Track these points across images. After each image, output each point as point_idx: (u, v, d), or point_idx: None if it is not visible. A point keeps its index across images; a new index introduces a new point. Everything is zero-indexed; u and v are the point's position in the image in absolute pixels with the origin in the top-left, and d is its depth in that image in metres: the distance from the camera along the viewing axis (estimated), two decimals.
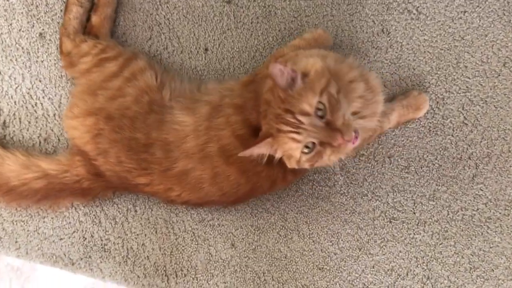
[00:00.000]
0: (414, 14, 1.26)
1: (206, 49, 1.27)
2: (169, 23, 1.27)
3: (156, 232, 1.20)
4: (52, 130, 1.21)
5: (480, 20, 1.26)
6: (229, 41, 1.27)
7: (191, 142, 1.01)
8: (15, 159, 1.09)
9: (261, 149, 0.91)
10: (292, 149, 0.90)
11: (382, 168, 1.23)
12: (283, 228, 1.21)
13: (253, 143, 0.91)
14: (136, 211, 1.20)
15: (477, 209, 1.22)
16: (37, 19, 1.24)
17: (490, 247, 1.21)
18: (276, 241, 1.21)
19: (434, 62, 1.25)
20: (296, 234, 1.22)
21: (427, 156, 1.23)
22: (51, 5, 1.25)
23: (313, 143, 0.88)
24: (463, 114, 1.24)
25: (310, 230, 1.21)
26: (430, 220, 1.22)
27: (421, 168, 1.23)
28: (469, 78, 1.24)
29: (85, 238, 1.19)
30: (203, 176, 1.03)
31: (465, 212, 1.22)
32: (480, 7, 1.26)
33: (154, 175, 1.04)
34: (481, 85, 1.24)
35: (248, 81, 1.12)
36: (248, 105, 1.01)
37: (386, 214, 1.23)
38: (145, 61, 1.13)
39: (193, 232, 1.20)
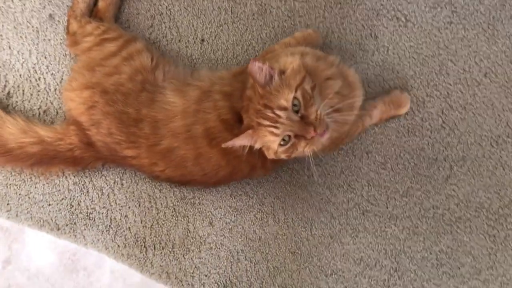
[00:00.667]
0: (403, 21, 1.36)
1: (203, 40, 1.38)
2: (170, 14, 1.38)
3: (139, 205, 1.27)
4: (52, 103, 1.31)
5: (465, 32, 1.35)
6: (224, 34, 1.37)
7: (178, 122, 1.09)
8: (15, 123, 1.18)
9: (242, 141, 1.00)
10: (270, 141, 0.98)
11: (360, 163, 1.30)
12: (260, 212, 1.28)
13: (235, 134, 1.00)
14: (122, 184, 1.28)
15: (448, 209, 1.28)
16: (49, 1, 1.36)
17: (458, 246, 1.26)
18: (252, 223, 1.28)
19: (417, 67, 1.34)
20: (271, 218, 1.28)
21: (404, 154, 1.30)
22: None
23: (289, 136, 0.97)
24: (442, 118, 1.31)
25: (285, 216, 1.28)
26: (402, 215, 1.28)
27: (397, 165, 1.30)
28: (450, 84, 1.32)
29: (72, 206, 1.26)
30: (187, 155, 1.10)
31: (437, 210, 1.28)
32: (466, 20, 1.34)
33: (141, 148, 1.11)
34: (462, 92, 1.32)
35: (239, 72, 1.21)
36: (235, 94, 1.09)
37: (360, 206, 1.29)
38: (143, 44, 1.22)
39: (174, 208, 1.27)
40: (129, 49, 1.19)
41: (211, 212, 1.28)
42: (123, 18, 1.37)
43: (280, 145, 0.98)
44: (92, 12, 1.31)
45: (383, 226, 1.27)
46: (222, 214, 1.28)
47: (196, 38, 1.36)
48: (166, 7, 1.37)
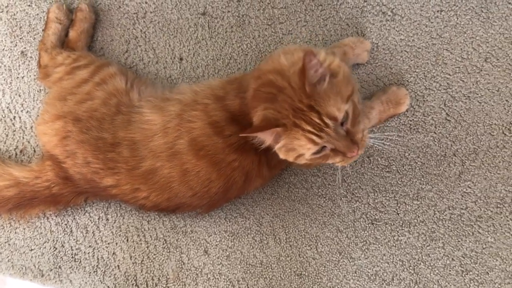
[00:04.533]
0: (389, 15, 1.40)
1: (181, 59, 1.43)
2: (145, 36, 1.44)
3: (127, 240, 1.25)
4: (29, 142, 1.33)
5: (457, 18, 1.38)
6: (203, 50, 1.42)
7: (158, 141, 1.08)
8: None
9: (265, 136, 0.95)
10: (303, 147, 0.93)
11: (362, 168, 1.30)
12: (259, 233, 1.24)
13: (259, 127, 0.94)
14: (107, 219, 1.26)
15: (466, 208, 1.23)
16: (20, 38, 1.43)
17: (483, 248, 1.20)
18: (251, 247, 1.24)
19: (411, 60, 1.36)
20: (272, 239, 1.24)
21: (409, 154, 1.30)
22: (33, 25, 1.44)
23: (325, 146, 0.94)
24: (445, 111, 1.32)
25: (286, 235, 1.24)
26: (415, 220, 1.26)
27: (403, 166, 1.29)
28: (449, 74, 1.34)
29: (56, 248, 1.24)
30: (172, 174, 1.08)
31: (453, 211, 1.26)
32: (457, 6, 1.38)
33: (120, 174, 1.10)
34: (463, 81, 1.33)
35: (233, 79, 1.18)
36: (229, 96, 1.08)
37: (368, 216, 1.26)
38: (116, 67, 1.24)
39: (164, 240, 1.24)
40: (102, 74, 1.20)
41: (205, 240, 1.25)
42: (97, 46, 1.43)
43: (312, 153, 0.95)
44: (64, 44, 1.40)
45: (396, 235, 1.23)
46: (218, 240, 1.25)
47: (174, 58, 1.42)
48: (141, 30, 1.44)
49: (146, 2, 1.43)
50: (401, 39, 1.35)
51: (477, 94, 1.29)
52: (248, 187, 1.17)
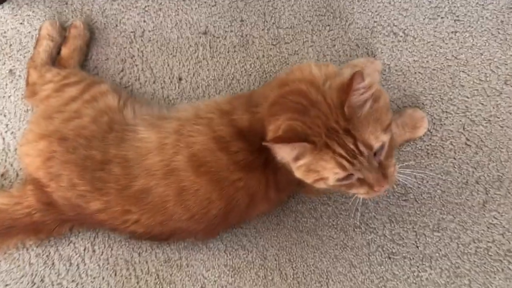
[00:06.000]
0: (401, 36, 1.37)
1: (180, 79, 1.39)
2: (143, 55, 1.41)
3: (115, 274, 1.14)
4: (11, 165, 1.25)
5: (473, 39, 1.36)
6: (204, 70, 1.38)
7: (154, 158, 1.01)
8: None
9: (288, 149, 0.87)
10: (328, 170, 0.86)
11: (376, 197, 1.24)
12: (262, 268, 1.14)
13: (286, 138, 0.86)
14: (94, 250, 1.15)
15: (493, 241, 1.13)
16: (9, 56, 1.38)
17: None
18: (254, 284, 1.14)
19: (426, 82, 1.32)
20: (277, 274, 1.14)
21: (427, 181, 1.23)
22: (24, 43, 1.39)
23: (352, 174, 0.87)
24: (464, 135, 1.27)
25: (294, 270, 1.14)
26: (437, 254, 1.17)
27: (421, 195, 1.22)
28: (467, 97, 1.30)
29: (34, 283, 1.13)
30: (167, 193, 1.00)
31: (479, 244, 1.18)
32: (472, 27, 1.36)
33: (110, 195, 1.01)
34: (482, 104, 1.29)
35: (241, 94, 1.15)
36: (237, 110, 1.02)
37: (384, 249, 1.17)
38: (108, 85, 1.18)
39: (157, 274, 1.14)
40: (92, 92, 1.15)
41: (202, 275, 1.14)
42: (90, 65, 1.37)
43: (337, 178, 0.88)
44: (55, 62, 1.36)
45: (416, 270, 1.12)
46: (217, 276, 1.14)
47: (173, 78, 1.37)
48: (138, 49, 1.40)
49: (144, 21, 1.41)
50: (414, 60, 1.32)
51: (498, 118, 1.25)
52: (252, 212, 1.08)
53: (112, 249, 1.17)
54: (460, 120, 1.24)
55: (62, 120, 1.11)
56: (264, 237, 1.17)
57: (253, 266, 1.15)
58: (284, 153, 0.88)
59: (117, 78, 1.35)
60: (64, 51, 1.32)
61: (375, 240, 1.15)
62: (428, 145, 1.22)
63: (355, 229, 1.16)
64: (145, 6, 1.42)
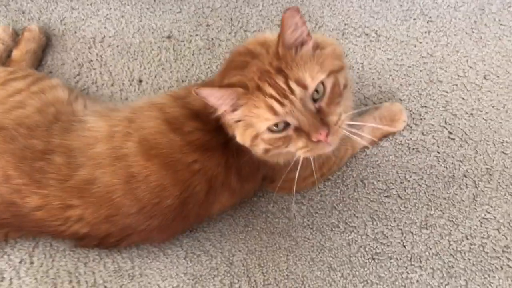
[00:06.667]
0: (373, 36, 1.34)
1: (140, 81, 1.30)
2: (101, 59, 1.34)
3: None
4: None
5: (447, 39, 1.33)
6: (167, 72, 1.30)
7: (101, 147, 0.91)
8: None
9: (222, 96, 0.78)
10: (260, 118, 0.78)
11: (355, 193, 1.11)
12: (228, 275, 0.99)
13: (218, 86, 0.80)
14: (32, 262, 0.99)
15: (488, 236, 1.01)
16: None
17: None
18: None
19: (402, 79, 1.26)
20: (245, 281, 0.98)
21: (410, 176, 1.13)
22: None
23: (287, 124, 0.78)
24: (447, 129, 1.19)
25: (264, 276, 0.99)
26: (427, 253, 1.03)
27: (405, 190, 1.11)
28: (446, 92, 1.24)
29: None
30: (114, 182, 0.89)
31: (472, 240, 1.05)
32: (445, 27, 1.33)
33: (49, 188, 0.89)
34: (463, 98, 1.23)
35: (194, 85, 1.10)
36: (191, 97, 0.96)
37: (367, 249, 1.04)
38: (60, 81, 1.11)
39: (105, 286, 0.98)
40: (41, 85, 1.07)
41: (158, 286, 0.98)
42: (45, 70, 1.26)
43: (270, 130, 0.79)
44: (5, 64, 1.28)
45: (405, 272, 0.98)
46: (175, 285, 0.98)
47: (133, 80, 1.29)
48: (97, 53, 1.34)
49: (105, 27, 1.36)
50: (388, 58, 1.28)
51: (481, 111, 1.18)
52: (212, 203, 0.96)
53: (53, 260, 1.02)
54: (441, 115, 1.18)
55: (3, 110, 1.02)
56: (230, 241, 1.04)
57: (217, 273, 1.01)
58: (215, 99, 0.79)
59: (72, 81, 1.27)
60: (16, 53, 1.26)
61: (356, 240, 1.03)
62: (408, 140, 1.15)
63: (333, 229, 1.04)
64: (107, 14, 1.38)
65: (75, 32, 1.36)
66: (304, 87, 0.76)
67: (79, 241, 0.99)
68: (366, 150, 1.14)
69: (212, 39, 1.33)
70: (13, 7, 1.42)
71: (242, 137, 0.83)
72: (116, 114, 0.99)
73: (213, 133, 0.91)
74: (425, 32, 1.31)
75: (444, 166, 1.10)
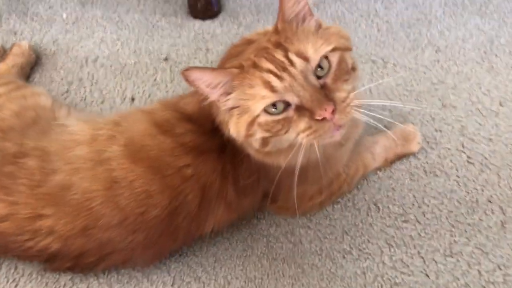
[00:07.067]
0: (380, 63, 1.28)
1: (133, 99, 1.20)
2: (93, 78, 1.25)
3: None
4: None
5: (458, 67, 1.27)
6: (162, 92, 1.20)
7: (82, 151, 0.81)
8: None
9: (214, 79, 0.68)
10: (256, 98, 0.67)
11: (369, 218, 0.99)
12: None
13: (211, 68, 0.70)
14: None
15: None
16: None
17: None
18: None
19: (413, 103, 1.18)
20: None
21: (429, 200, 1.01)
22: None
23: (288, 104, 0.68)
24: (465, 153, 1.09)
25: None
26: (455, 284, 0.87)
27: (424, 215, 0.99)
28: (461, 117, 1.16)
29: None
30: (93, 188, 0.77)
31: (506, 271, 0.91)
32: (455, 56, 1.29)
33: (19, 194, 0.78)
34: (479, 124, 1.15)
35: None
36: (184, 98, 0.89)
37: (385, 278, 0.89)
38: (44, 90, 1.06)
39: None
40: (23, 91, 1.00)
41: None
42: None
43: (267, 112, 0.68)
44: None
45: None
46: None
47: (125, 98, 1.19)
48: (88, 72, 1.26)
49: (99, 48, 1.31)
50: (397, 84, 1.22)
51: (500, 136, 1.10)
52: (206, 218, 0.83)
53: (17, 285, 0.87)
54: (458, 139, 1.10)
55: None
56: (226, 267, 0.90)
57: None
58: (205, 84, 0.68)
59: (60, 98, 1.19)
60: (2, 66, 1.19)
61: (371, 268, 0.90)
62: (424, 163, 1.05)
63: (346, 255, 0.91)
64: (102, 37, 1.34)
65: (67, 52, 1.30)
66: (305, 59, 0.67)
67: (49, 263, 0.85)
68: (378, 172, 1.03)
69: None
70: (5, 28, 1.38)
71: (236, 127, 0.72)
72: (102, 119, 0.90)
73: (208, 135, 0.81)
74: (434, 60, 1.26)
75: (465, 191, 1.00)
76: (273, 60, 0.67)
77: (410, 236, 0.93)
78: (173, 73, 1.24)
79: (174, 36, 1.33)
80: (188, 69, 0.65)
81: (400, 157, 1.05)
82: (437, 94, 1.18)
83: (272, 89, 0.66)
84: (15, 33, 1.35)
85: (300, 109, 0.67)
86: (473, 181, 1.02)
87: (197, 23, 1.36)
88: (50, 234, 0.79)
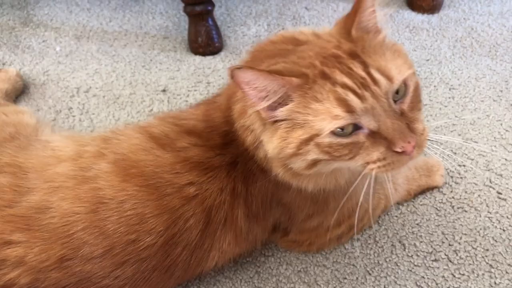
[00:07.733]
0: None
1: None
2: (83, 108, 1.16)
3: None
4: None
5: (474, 104, 1.18)
6: None
7: (63, 168, 0.70)
8: None
9: (270, 85, 0.57)
10: (323, 115, 0.57)
11: (393, 256, 0.86)
12: None
13: (268, 70, 0.58)
14: None
15: None
16: None
17: None
18: None
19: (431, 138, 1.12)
20: None
21: (460, 237, 0.89)
22: None
23: (358, 127, 0.58)
24: (494, 189, 0.99)
25: None
26: None
27: (456, 253, 0.86)
28: (485, 152, 1.08)
29: None
30: (75, 210, 0.65)
31: None
32: (470, 94, 1.21)
33: None
34: (505, 159, 1.06)
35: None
36: (188, 109, 0.81)
37: None
38: (30, 110, 0.96)
39: None
40: (5, 109, 0.90)
41: None
42: None
43: (333, 133, 0.57)
44: None
45: None
46: None
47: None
48: (79, 102, 1.17)
49: (93, 80, 1.23)
50: None
51: None
52: (209, 249, 0.70)
53: None
54: (484, 174, 1.00)
55: None
56: None
57: None
58: (257, 89, 0.57)
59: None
60: None
61: None
62: (450, 198, 0.95)
63: None
64: (97, 69, 1.27)
65: (58, 83, 1.23)
66: (389, 79, 0.57)
67: None
68: (400, 207, 0.92)
69: (212, 94, 1.20)
70: None
71: (281, 142, 0.60)
72: (88, 136, 0.80)
73: (216, 150, 0.71)
74: (449, 97, 1.20)
75: (500, 228, 0.89)
76: (350, 74, 0.57)
77: (443, 277, 0.81)
78: (171, 104, 1.16)
79: (173, 70, 1.26)
80: (240, 67, 0.55)
81: (424, 190, 0.95)
82: (455, 129, 1.11)
83: (349, 108, 0.56)
84: (4, 64, 1.27)
85: (375, 136, 0.58)
86: (507, 217, 0.91)
87: (198, 58, 1.30)
88: (19, 265, 0.66)
